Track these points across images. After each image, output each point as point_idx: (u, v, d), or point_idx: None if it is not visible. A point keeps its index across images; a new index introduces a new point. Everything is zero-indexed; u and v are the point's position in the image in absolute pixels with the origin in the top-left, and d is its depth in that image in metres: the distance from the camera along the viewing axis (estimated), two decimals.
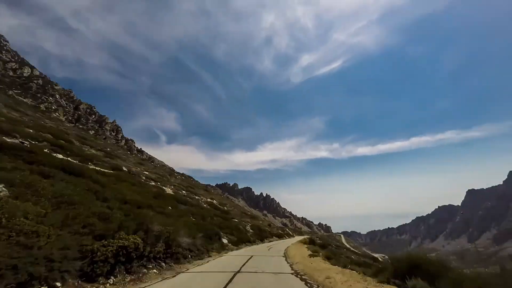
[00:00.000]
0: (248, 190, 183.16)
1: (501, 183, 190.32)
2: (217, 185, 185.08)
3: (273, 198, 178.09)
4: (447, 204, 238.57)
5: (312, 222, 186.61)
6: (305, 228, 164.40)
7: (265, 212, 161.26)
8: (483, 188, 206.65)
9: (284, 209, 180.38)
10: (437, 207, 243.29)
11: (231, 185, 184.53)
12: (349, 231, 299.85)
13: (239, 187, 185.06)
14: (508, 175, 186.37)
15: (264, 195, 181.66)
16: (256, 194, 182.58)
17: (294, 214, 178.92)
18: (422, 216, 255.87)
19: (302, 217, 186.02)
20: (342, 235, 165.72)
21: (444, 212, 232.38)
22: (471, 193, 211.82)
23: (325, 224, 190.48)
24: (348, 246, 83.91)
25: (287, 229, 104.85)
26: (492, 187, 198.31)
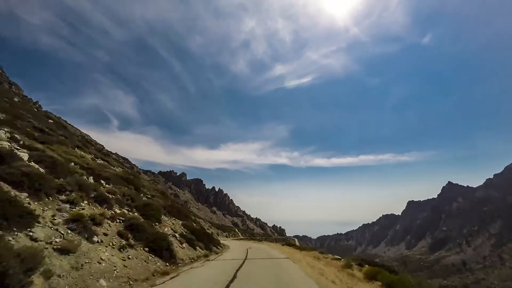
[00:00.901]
0: (198, 182, 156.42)
1: (435, 196, 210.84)
2: (160, 172, 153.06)
3: (226, 194, 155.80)
4: (389, 213, 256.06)
5: (266, 224, 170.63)
6: (258, 230, 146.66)
7: (214, 208, 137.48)
8: (420, 200, 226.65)
9: (238, 207, 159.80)
10: (381, 216, 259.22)
11: (178, 174, 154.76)
12: (301, 235, 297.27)
13: (188, 178, 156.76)
14: (441, 190, 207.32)
15: (217, 189, 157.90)
16: (207, 187, 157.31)
17: (248, 214, 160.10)
18: (368, 223, 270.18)
19: (256, 218, 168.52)
20: (296, 239, 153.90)
21: (387, 220, 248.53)
22: (410, 204, 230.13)
23: (279, 227, 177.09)
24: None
25: (236, 230, 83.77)
26: (428, 199, 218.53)
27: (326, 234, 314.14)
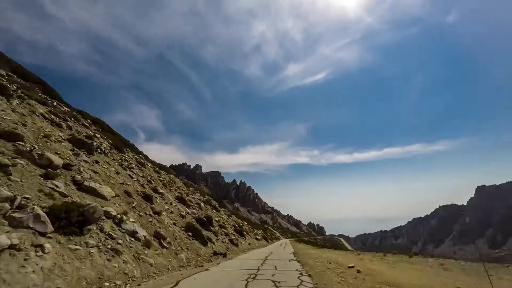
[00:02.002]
0: (215, 175, 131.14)
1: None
2: (171, 166, 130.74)
3: (249, 188, 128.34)
4: (449, 203, 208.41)
5: (300, 221, 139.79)
6: (292, 228, 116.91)
7: (236, 205, 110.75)
8: (496, 184, 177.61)
9: (265, 203, 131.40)
10: (438, 207, 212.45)
11: (191, 167, 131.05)
12: (336, 234, 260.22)
13: (204, 171, 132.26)
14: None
15: (238, 183, 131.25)
16: (226, 181, 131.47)
17: (277, 210, 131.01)
18: (420, 217, 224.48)
19: (288, 215, 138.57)
20: (342, 239, 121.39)
21: (447, 212, 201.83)
22: (481, 190, 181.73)
23: (317, 225, 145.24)
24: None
25: (269, 229, 56.58)
26: (507, 182, 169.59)
27: (367, 232, 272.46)
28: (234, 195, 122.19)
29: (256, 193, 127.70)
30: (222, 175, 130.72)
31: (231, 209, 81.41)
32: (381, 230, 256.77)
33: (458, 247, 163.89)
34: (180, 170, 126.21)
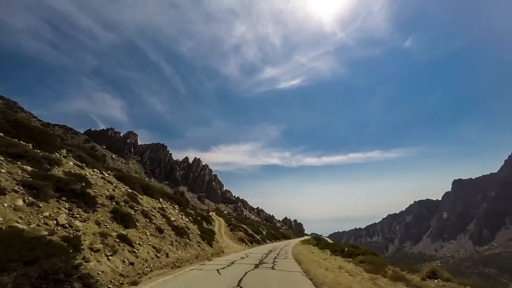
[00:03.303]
0: (157, 149, 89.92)
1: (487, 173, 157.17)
2: (88, 132, 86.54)
3: (205, 167, 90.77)
4: (424, 199, 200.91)
5: (273, 216, 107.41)
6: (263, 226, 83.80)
7: (181, 188, 72.56)
8: (471, 178, 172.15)
9: (228, 191, 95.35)
10: (413, 202, 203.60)
11: (121, 135, 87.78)
12: (309, 233, 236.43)
13: (141, 142, 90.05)
14: (504, 162, 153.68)
15: (191, 161, 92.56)
16: (174, 159, 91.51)
17: (244, 200, 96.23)
18: (395, 213, 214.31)
19: (259, 208, 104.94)
20: (327, 238, 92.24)
21: (423, 208, 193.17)
22: (458, 184, 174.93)
23: (295, 221, 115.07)
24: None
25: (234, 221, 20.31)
26: (484, 175, 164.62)
27: (341, 231, 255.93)
28: (181, 176, 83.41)
29: (215, 175, 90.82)
30: (168, 150, 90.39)
31: (170, 193, 41.08)
32: (355, 228, 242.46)
33: (439, 244, 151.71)
34: (98, 137, 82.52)
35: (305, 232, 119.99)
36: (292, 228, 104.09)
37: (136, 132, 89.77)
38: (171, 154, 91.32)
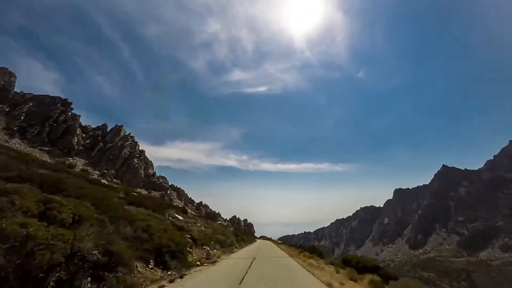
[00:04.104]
0: (48, 102, 58.78)
1: (427, 183, 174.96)
2: None
3: (128, 136, 64.29)
4: (369, 205, 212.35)
5: (219, 213, 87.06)
6: (201, 221, 62.92)
7: (74, 160, 45.63)
8: (409, 188, 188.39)
9: (155, 172, 70.59)
10: (359, 208, 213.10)
11: None
12: (258, 236, 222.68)
13: (25, 92, 57.23)
14: (434, 176, 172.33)
15: (112, 127, 64.46)
16: (93, 126, 61.79)
17: (181, 189, 73.18)
18: (342, 218, 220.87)
19: (202, 203, 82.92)
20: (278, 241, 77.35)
21: (367, 214, 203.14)
22: (398, 193, 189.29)
23: (245, 220, 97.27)
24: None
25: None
26: (419, 186, 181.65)
27: (290, 234, 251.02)
28: (85, 145, 55.21)
29: (142, 151, 65.14)
30: (71, 103, 60.10)
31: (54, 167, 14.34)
32: (304, 232, 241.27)
33: (380, 248, 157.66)
34: None
35: (255, 234, 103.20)
36: (241, 229, 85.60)
37: (75, 113, 57.95)
38: (77, 116, 61.24)
